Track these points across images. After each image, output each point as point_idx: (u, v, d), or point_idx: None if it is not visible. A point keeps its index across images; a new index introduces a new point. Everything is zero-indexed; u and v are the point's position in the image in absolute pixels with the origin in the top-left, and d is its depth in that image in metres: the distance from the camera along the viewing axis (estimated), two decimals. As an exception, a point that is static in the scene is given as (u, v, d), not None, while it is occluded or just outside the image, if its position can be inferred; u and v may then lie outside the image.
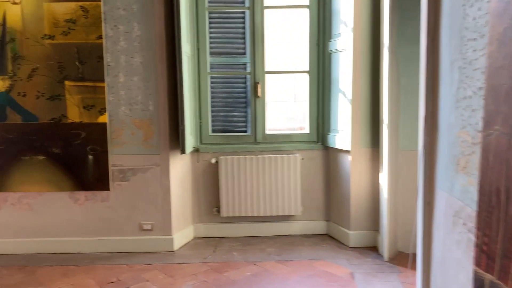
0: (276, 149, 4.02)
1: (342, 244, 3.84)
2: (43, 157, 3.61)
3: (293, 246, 3.82)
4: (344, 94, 3.72)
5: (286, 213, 4.02)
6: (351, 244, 3.77)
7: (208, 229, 4.07)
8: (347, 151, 3.72)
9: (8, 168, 3.61)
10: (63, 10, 3.51)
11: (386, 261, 3.45)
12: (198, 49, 3.95)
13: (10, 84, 3.56)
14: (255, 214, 4.00)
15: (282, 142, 4.07)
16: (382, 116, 3.46)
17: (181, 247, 3.83)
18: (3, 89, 3.56)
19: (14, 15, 3.51)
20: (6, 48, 3.53)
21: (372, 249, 3.70)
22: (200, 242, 3.97)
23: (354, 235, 3.76)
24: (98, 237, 3.73)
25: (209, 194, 4.05)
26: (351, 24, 3.56)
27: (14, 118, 3.58)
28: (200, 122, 4.03)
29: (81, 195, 3.69)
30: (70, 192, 3.68)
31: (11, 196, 3.67)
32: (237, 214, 4.00)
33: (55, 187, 3.65)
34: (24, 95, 3.57)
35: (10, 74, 3.55)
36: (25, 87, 3.56)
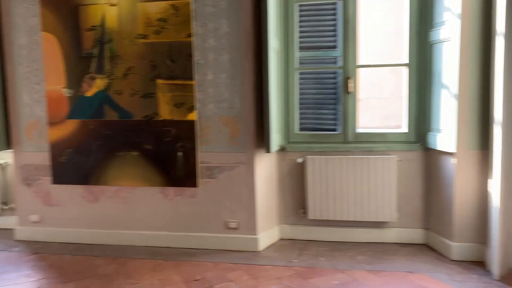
0: (369, 149, 3.73)
1: (443, 256, 3.44)
2: (137, 153, 3.75)
3: (386, 255, 3.52)
4: (448, 89, 3.32)
5: (379, 219, 3.72)
6: (454, 257, 3.36)
7: (295, 231, 3.92)
8: (451, 153, 3.32)
9: (105, 162, 3.81)
10: (156, 9, 3.59)
11: (496, 280, 3.01)
12: (286, 44, 3.81)
13: (107, 83, 3.74)
14: (345, 219, 3.76)
15: (375, 142, 3.77)
16: (494, 113, 3.02)
17: (266, 248, 3.73)
18: (101, 88, 3.75)
19: (112, 16, 3.67)
20: (105, 48, 3.71)
21: (479, 264, 3.26)
22: (286, 244, 3.84)
23: (458, 247, 3.35)
24: (186, 232, 3.77)
25: (296, 194, 3.90)
26: (457, 9, 3.16)
27: (111, 115, 3.76)
28: (287, 120, 3.89)
29: (171, 190, 3.77)
30: (161, 187, 3.77)
31: (108, 189, 3.87)
32: (324, 217, 3.79)
33: (147, 182, 3.76)
34: (120, 93, 3.72)
35: (107, 73, 3.73)
36: (121, 85, 3.72)
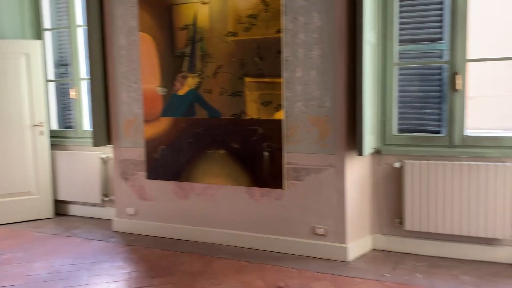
0: (480, 155, 3.26)
1: None
2: (224, 152, 3.72)
3: (497, 277, 3.05)
4: None
5: (490, 235, 3.23)
6: None
7: (389, 241, 3.59)
8: None
9: (195, 160, 3.84)
10: (246, 5, 3.51)
11: None
12: (384, 37, 3.49)
13: (198, 81, 3.76)
14: (448, 232, 3.34)
15: (487, 147, 3.28)
16: None
17: (356, 259, 3.46)
18: (193, 86, 3.79)
19: (203, 14, 3.67)
20: (196, 47, 3.73)
21: None
22: (378, 255, 3.53)
23: None
24: (271, 235, 3.66)
25: (391, 202, 3.56)
26: None
27: (201, 113, 3.78)
28: (384, 120, 3.56)
29: (257, 191, 3.67)
30: (247, 187, 3.70)
31: (197, 186, 3.90)
32: (424, 229, 3.40)
33: (234, 181, 3.72)
34: (209, 92, 3.72)
35: (198, 72, 3.75)
36: (210, 84, 3.71)
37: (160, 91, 3.92)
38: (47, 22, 4.92)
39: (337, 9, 3.26)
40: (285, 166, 3.53)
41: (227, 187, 3.77)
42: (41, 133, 4.71)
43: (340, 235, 3.43)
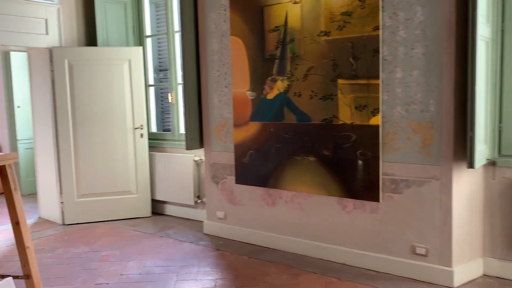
0: None
1: None
2: (314, 159, 3.51)
3: None
4: None
5: None
6: None
7: (504, 267, 3.08)
8: None
9: (283, 166, 3.69)
10: (340, 2, 3.27)
11: None
12: (502, 31, 3.00)
13: (288, 84, 3.60)
14: None
15: None
16: None
17: (463, 285, 3.03)
18: (282, 90, 3.64)
19: (294, 14, 3.51)
20: (286, 49, 3.58)
21: None
22: (491, 282, 3.05)
23: None
24: (364, 251, 3.37)
25: (507, 222, 3.06)
26: None
27: (290, 118, 3.62)
28: (500, 127, 3.06)
29: (349, 202, 3.41)
30: (338, 197, 3.45)
31: (285, 193, 3.74)
32: (551, 257, 2.86)
33: (324, 190, 3.50)
34: (299, 95, 3.54)
35: (288, 75, 3.59)
36: (300, 87, 3.53)
37: (250, 95, 3.84)
38: (148, 29, 5.15)
39: (444, 2, 2.87)
40: (382, 177, 3.22)
41: (317, 196, 3.56)
42: (141, 135, 4.93)
43: (445, 257, 3.02)
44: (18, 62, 6.19)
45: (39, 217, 5.09)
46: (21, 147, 6.32)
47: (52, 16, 4.70)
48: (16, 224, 1.95)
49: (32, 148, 5.57)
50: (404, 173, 3.14)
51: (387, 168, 3.20)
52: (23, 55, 5.94)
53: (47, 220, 4.96)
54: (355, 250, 3.41)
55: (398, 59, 3.10)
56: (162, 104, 5.32)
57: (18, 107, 6.25)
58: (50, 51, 4.65)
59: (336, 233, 3.50)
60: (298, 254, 3.69)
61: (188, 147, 4.23)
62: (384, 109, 3.18)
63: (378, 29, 3.13)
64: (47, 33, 4.67)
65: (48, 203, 4.96)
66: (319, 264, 3.49)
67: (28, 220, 4.99)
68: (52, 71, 4.66)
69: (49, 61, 4.66)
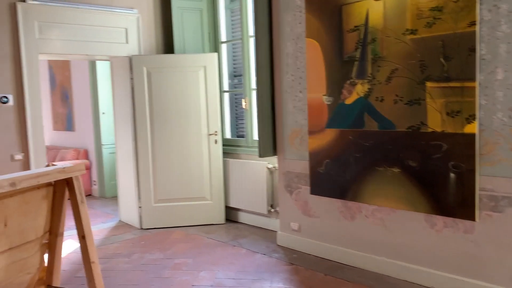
0: None
1: None
2: (398, 170, 3.18)
3: None
4: None
5: None
6: None
7: None
8: None
9: (363, 177, 3.40)
10: (428, -3, 2.93)
11: None
12: None
13: (368, 88, 3.31)
14: None
15: None
16: None
17: None
18: (361, 94, 3.36)
19: (376, 13, 3.21)
20: (367, 50, 3.29)
21: None
22: None
23: None
24: (456, 275, 2.97)
25: None
26: None
27: (371, 125, 3.32)
28: None
29: (439, 220, 3.04)
30: (426, 214, 3.09)
31: (365, 207, 3.45)
32: None
33: (409, 205, 3.16)
34: (381, 100, 3.24)
35: (369, 78, 3.30)
36: (382, 91, 3.22)
37: (326, 100, 3.61)
38: (223, 35, 5.11)
39: (561, -13, 2.43)
40: (478, 193, 2.81)
41: (401, 211, 3.23)
42: (216, 141, 4.89)
43: (559, 290, 2.56)
44: (103, 70, 6.50)
45: (119, 221, 5.26)
46: (105, 151, 6.63)
47: (132, 25, 4.83)
48: (82, 238, 1.92)
49: (115, 153, 5.80)
50: (506, 189, 2.71)
51: (484, 182, 2.79)
52: (107, 63, 6.22)
53: (127, 224, 5.10)
54: (445, 273, 3.03)
55: (499, 58, 2.69)
56: (236, 110, 5.25)
57: (103, 113, 6.56)
58: (130, 59, 4.78)
59: (423, 253, 3.14)
60: (379, 273, 3.38)
61: (261, 155, 4.09)
62: (482, 115, 2.78)
63: (474, 24, 2.75)
64: (127, 42, 4.81)
65: (128, 207, 5.10)
66: (403, 286, 3.15)
67: (110, 223, 5.19)
68: (131, 78, 4.78)
69: (129, 69, 4.80)
